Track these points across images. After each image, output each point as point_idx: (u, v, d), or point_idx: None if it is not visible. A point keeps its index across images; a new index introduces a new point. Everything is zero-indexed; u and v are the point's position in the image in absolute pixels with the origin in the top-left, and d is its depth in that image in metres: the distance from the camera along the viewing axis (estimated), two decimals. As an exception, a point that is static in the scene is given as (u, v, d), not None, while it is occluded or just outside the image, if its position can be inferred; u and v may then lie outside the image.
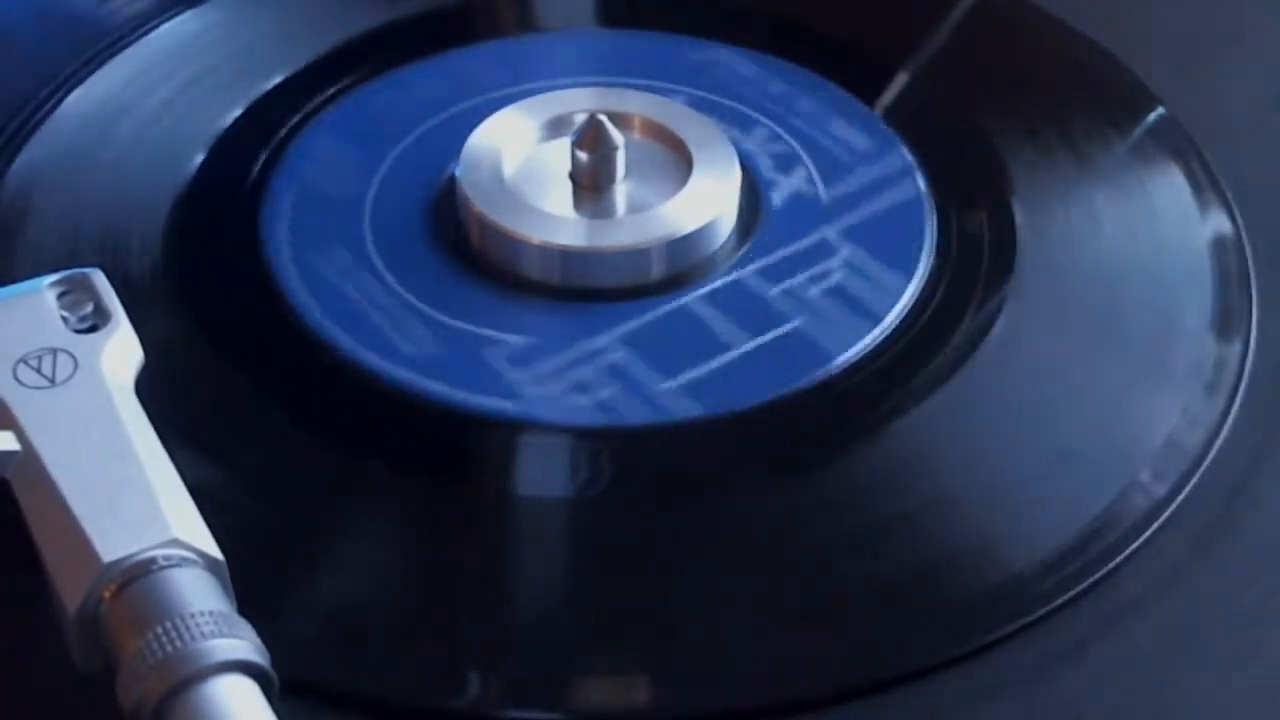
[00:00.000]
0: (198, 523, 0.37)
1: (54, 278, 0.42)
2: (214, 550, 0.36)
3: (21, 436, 0.38)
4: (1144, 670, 0.39)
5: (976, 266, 0.48)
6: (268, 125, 0.52)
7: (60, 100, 0.53)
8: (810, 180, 0.50)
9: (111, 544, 0.36)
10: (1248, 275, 0.47)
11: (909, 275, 0.47)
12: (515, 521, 0.42)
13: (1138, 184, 0.50)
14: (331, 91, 0.53)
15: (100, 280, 0.42)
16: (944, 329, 0.46)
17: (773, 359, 0.45)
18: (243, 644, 0.34)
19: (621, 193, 0.48)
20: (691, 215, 0.47)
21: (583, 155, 0.48)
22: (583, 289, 0.47)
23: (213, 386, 0.45)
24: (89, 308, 0.42)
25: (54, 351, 0.40)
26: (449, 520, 0.42)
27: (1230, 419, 0.44)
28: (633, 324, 0.46)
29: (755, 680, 0.39)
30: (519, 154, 0.49)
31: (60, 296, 0.42)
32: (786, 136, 0.51)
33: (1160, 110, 0.52)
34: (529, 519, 0.42)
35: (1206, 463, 0.43)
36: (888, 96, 0.53)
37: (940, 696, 0.38)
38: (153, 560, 0.35)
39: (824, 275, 0.47)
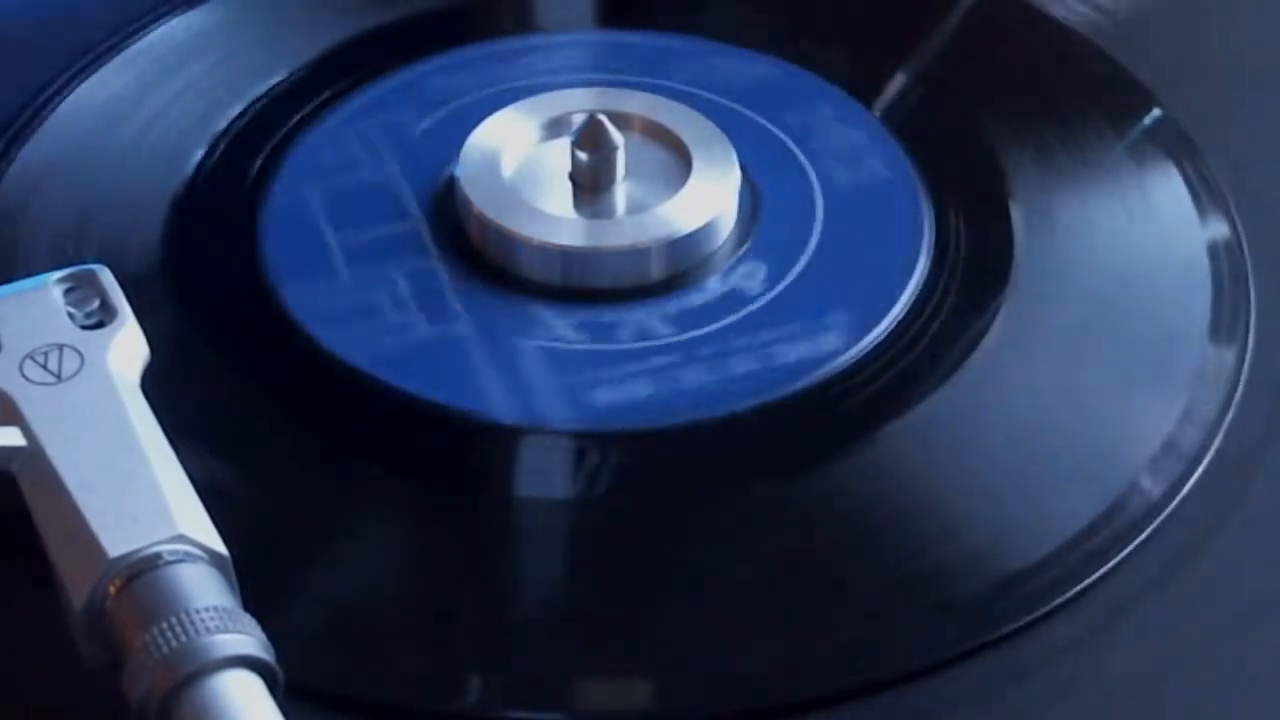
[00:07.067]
0: (203, 518, 0.37)
1: (60, 274, 0.42)
2: (219, 546, 0.36)
3: (28, 432, 0.38)
4: (1140, 671, 0.39)
5: (974, 268, 0.48)
6: (267, 125, 0.52)
7: (60, 100, 0.53)
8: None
9: (117, 539, 0.36)
10: (1246, 278, 0.47)
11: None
12: (515, 522, 0.42)
13: (1136, 186, 0.50)
14: (331, 92, 0.53)
15: (106, 277, 0.42)
16: (942, 330, 0.46)
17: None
18: (248, 639, 0.34)
19: (621, 193, 0.48)
20: (691, 215, 0.47)
21: (583, 155, 0.48)
22: (583, 289, 0.47)
23: (209, 386, 0.45)
24: (95, 304, 0.42)
25: (60, 347, 0.40)
26: (449, 520, 0.42)
27: (1227, 422, 0.44)
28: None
29: (755, 680, 0.39)
30: (519, 154, 0.49)
31: (66, 293, 0.42)
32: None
33: (1158, 112, 0.53)
34: (529, 520, 0.42)
35: (1203, 466, 0.43)
36: (886, 98, 0.53)
37: (937, 697, 0.38)
38: (158, 555, 0.35)
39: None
